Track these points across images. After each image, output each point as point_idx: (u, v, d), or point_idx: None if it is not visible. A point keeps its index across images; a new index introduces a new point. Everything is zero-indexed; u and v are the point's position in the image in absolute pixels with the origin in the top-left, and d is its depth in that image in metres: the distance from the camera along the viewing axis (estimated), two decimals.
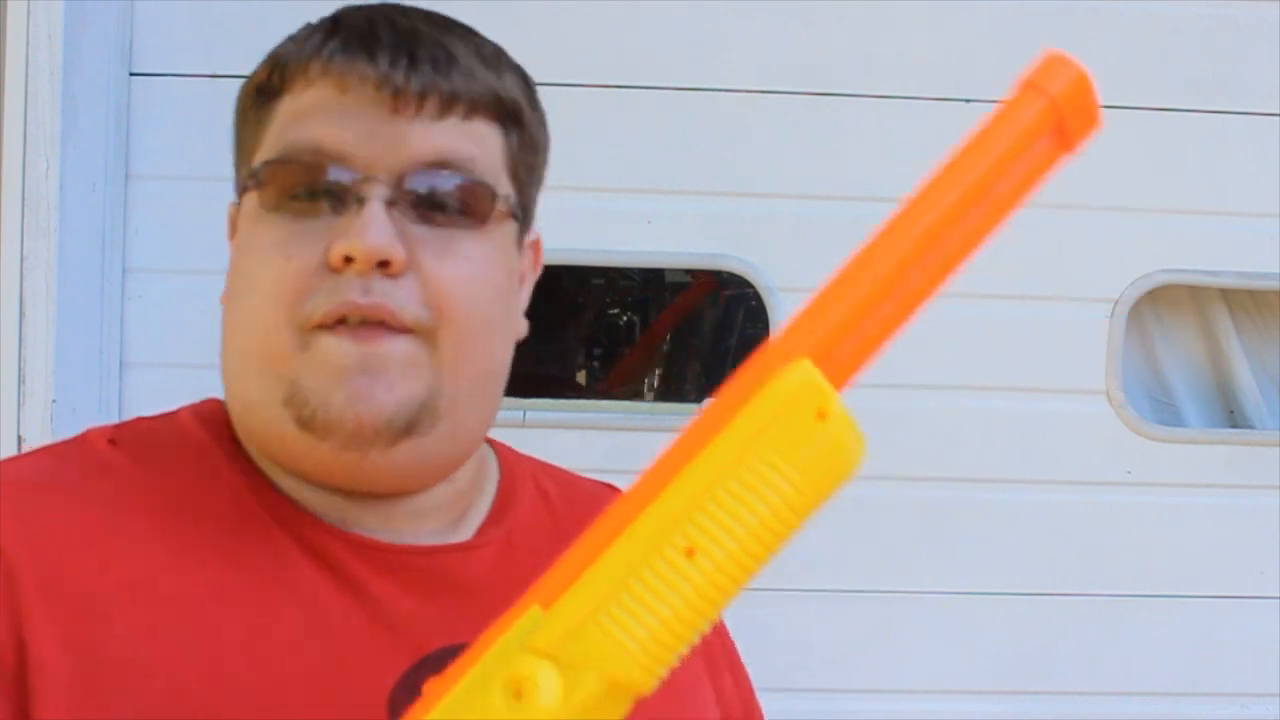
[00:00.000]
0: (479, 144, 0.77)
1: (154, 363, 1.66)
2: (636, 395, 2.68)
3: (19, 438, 1.57)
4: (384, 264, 0.72)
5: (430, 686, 0.59)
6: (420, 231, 0.74)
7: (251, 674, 0.71)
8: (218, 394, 0.85)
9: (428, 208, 0.75)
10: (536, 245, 0.87)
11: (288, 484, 0.79)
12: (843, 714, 1.75)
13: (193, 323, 1.64)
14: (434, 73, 0.75)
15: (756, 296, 1.75)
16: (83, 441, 0.80)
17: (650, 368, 2.66)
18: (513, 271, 0.81)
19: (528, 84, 0.83)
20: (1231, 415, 1.88)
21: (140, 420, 0.83)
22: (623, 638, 0.54)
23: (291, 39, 0.80)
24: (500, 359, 0.80)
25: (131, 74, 1.65)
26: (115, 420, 1.42)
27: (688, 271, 2.51)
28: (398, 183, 0.74)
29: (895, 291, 0.57)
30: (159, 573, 0.72)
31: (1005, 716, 1.78)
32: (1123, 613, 1.79)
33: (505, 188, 0.79)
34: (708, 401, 0.58)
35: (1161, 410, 1.87)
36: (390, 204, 0.74)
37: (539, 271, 0.87)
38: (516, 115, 0.80)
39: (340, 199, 0.74)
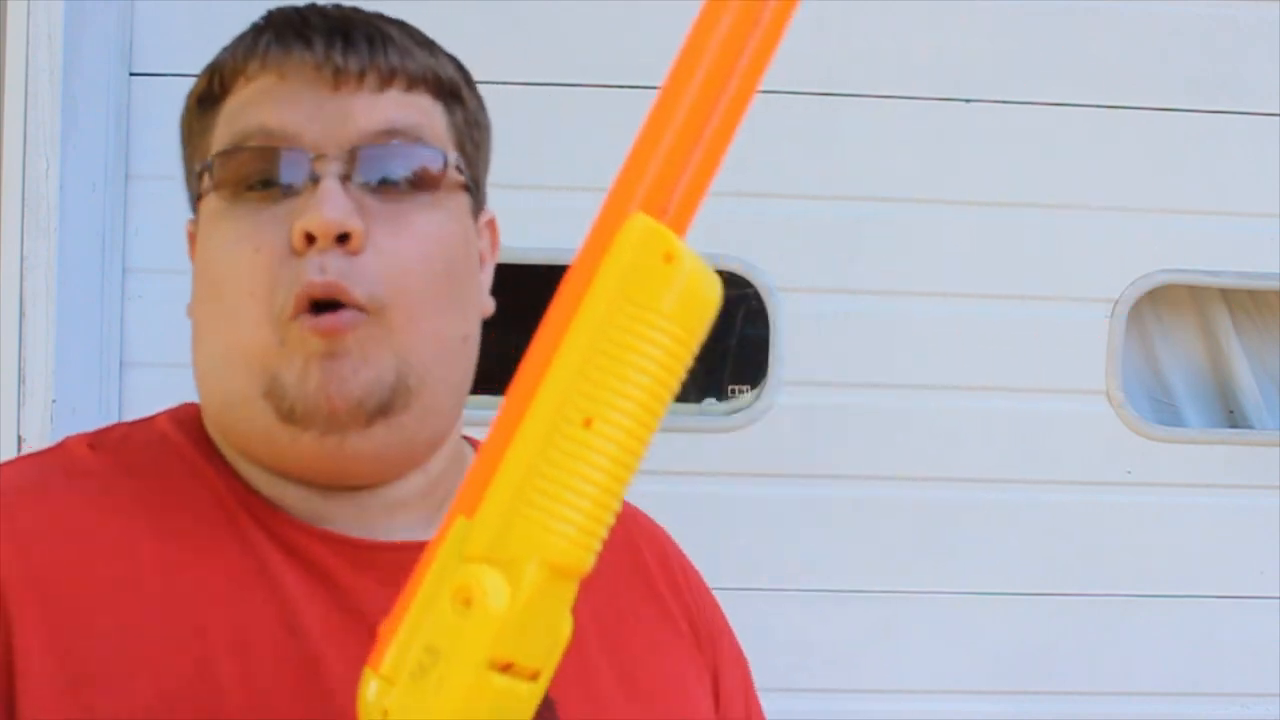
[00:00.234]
0: (424, 113, 0.78)
1: (154, 363, 1.66)
2: None
3: (19, 438, 1.57)
4: (344, 237, 0.73)
5: (383, 626, 0.59)
6: (375, 205, 0.75)
7: (236, 673, 0.71)
8: None
9: (380, 179, 0.75)
10: (493, 226, 0.87)
11: (265, 483, 0.79)
12: (843, 714, 1.75)
13: None
14: (370, 50, 0.76)
15: (756, 296, 1.75)
16: (62, 448, 0.80)
17: None
18: (470, 245, 0.82)
19: (463, 69, 0.84)
20: (1231, 415, 1.88)
21: (117, 426, 0.83)
22: (549, 521, 0.55)
23: (226, 47, 0.81)
24: (463, 332, 0.80)
25: (131, 74, 1.65)
26: (115, 420, 1.42)
27: None
28: (349, 158, 0.75)
29: (702, 131, 0.58)
30: (142, 572, 0.73)
31: (1005, 716, 1.78)
32: (1123, 613, 1.79)
33: (455, 157, 0.80)
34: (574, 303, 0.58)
35: (1161, 410, 1.87)
36: (344, 179, 0.74)
37: (497, 253, 0.87)
38: (456, 92, 0.81)
39: (295, 181, 0.74)
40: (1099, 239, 1.76)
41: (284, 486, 0.79)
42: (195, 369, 0.81)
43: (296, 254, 0.73)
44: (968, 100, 1.73)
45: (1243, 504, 1.80)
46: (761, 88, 1.77)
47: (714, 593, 0.95)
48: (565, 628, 0.57)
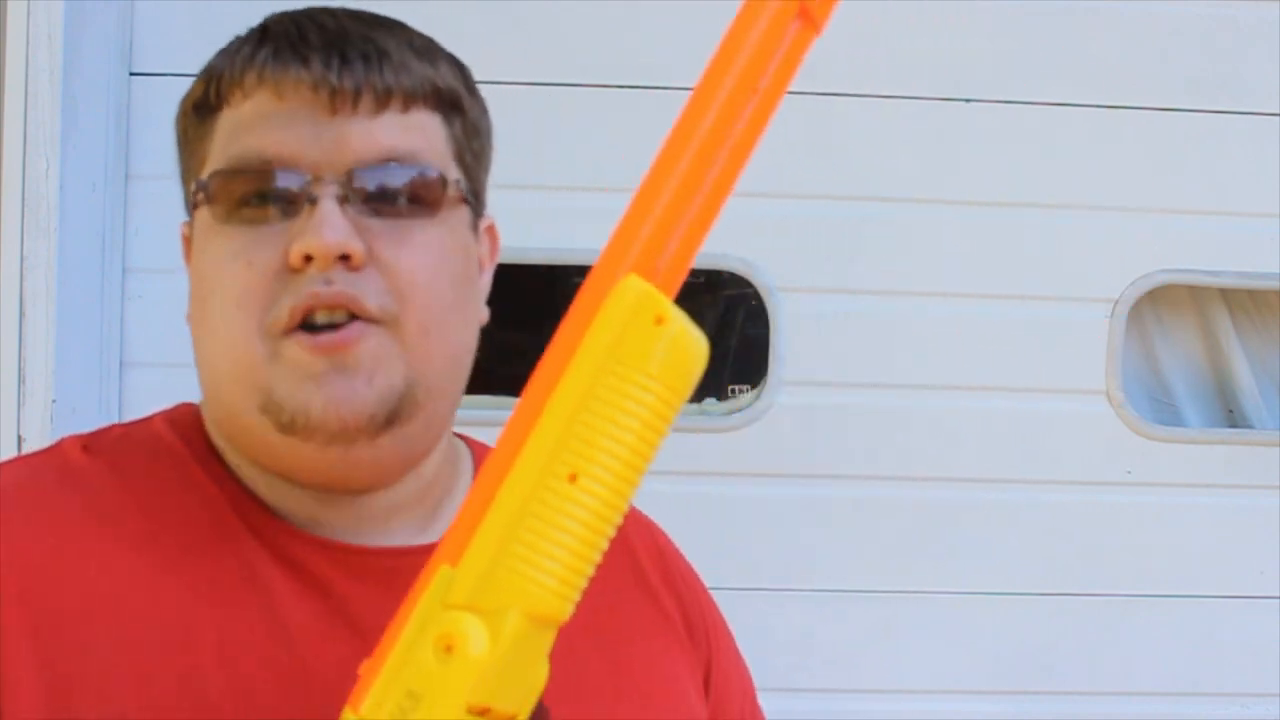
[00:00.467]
0: (421, 134, 0.78)
1: (154, 363, 1.66)
2: None
3: (19, 438, 1.57)
4: (344, 258, 0.73)
5: (365, 667, 0.60)
6: (375, 224, 0.75)
7: (223, 686, 0.71)
8: None
9: (379, 201, 0.75)
10: (492, 231, 0.87)
11: (263, 485, 0.79)
12: (843, 714, 1.75)
13: None
14: (365, 69, 0.76)
15: (756, 296, 1.75)
16: (56, 451, 0.80)
17: None
18: (471, 257, 0.82)
19: (464, 72, 0.84)
20: (1231, 415, 1.88)
21: (114, 427, 0.83)
22: (531, 572, 0.56)
23: (223, 52, 0.80)
24: (465, 344, 0.81)
25: (131, 74, 1.65)
26: (115, 421, 1.42)
27: (689, 272, 2.51)
28: (347, 180, 0.75)
29: (695, 196, 0.60)
30: (131, 584, 0.72)
31: (1005, 716, 1.78)
32: (1123, 613, 1.79)
33: (454, 173, 0.80)
34: (559, 341, 0.60)
35: (1161, 410, 1.87)
36: (342, 200, 0.74)
37: (497, 258, 0.87)
38: (455, 102, 0.81)
39: (291, 203, 0.74)
40: (1099, 239, 1.76)
41: (283, 491, 0.79)
42: (198, 376, 0.81)
43: (294, 272, 0.73)
44: (968, 100, 1.73)
45: (1243, 504, 1.80)
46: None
47: (714, 593, 0.95)
48: (542, 672, 0.59)
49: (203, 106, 0.79)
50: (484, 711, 0.57)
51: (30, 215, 1.57)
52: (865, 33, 1.74)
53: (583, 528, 0.57)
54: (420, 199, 0.77)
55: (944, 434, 1.76)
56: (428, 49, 0.81)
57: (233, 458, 0.80)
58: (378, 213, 0.75)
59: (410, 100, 0.77)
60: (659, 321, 0.58)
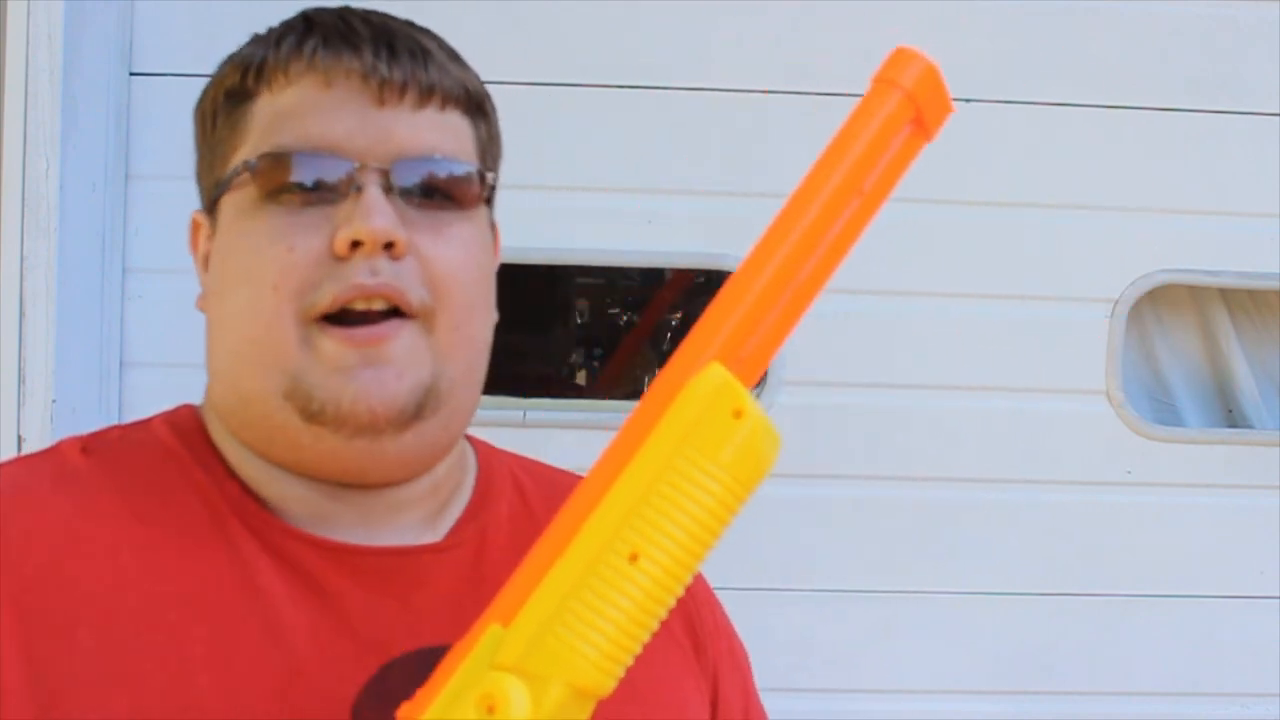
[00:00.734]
0: (454, 133, 0.79)
1: (154, 363, 1.66)
2: (636, 395, 2.68)
3: (19, 438, 1.57)
4: (389, 246, 0.74)
5: (403, 713, 0.60)
6: (414, 215, 0.76)
7: (215, 689, 0.71)
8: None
9: (419, 194, 0.77)
10: (496, 234, 0.88)
11: (266, 480, 0.79)
12: (843, 714, 1.75)
13: (193, 323, 1.63)
14: (412, 64, 0.77)
15: None
16: (55, 452, 0.80)
17: (640, 366, 2.66)
18: (492, 255, 0.83)
19: (481, 81, 0.85)
20: (1230, 415, 1.88)
21: (113, 428, 0.83)
22: (580, 645, 0.57)
23: (258, 41, 0.80)
24: (487, 341, 0.82)
25: (131, 74, 1.65)
26: (115, 421, 1.43)
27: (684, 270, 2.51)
28: (391, 171, 0.76)
29: (786, 289, 0.60)
30: (125, 585, 0.72)
31: (1005, 716, 1.78)
32: (1123, 613, 1.79)
33: (485, 173, 0.81)
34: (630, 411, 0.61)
35: (1161, 410, 1.87)
36: (386, 190, 0.75)
37: (499, 258, 0.88)
38: (481, 105, 0.82)
39: (336, 189, 0.75)
40: (1099, 239, 1.76)
41: (289, 485, 0.78)
42: (209, 363, 0.81)
43: (338, 259, 0.74)
44: (968, 100, 1.73)
45: (1243, 504, 1.80)
46: (761, 88, 1.79)
47: (714, 593, 0.95)
48: None
49: (237, 93, 0.79)
50: None
51: (30, 215, 1.57)
52: (866, 33, 1.74)
53: (636, 608, 0.58)
54: (456, 195, 0.78)
55: (944, 434, 1.76)
56: (455, 53, 0.83)
57: (235, 455, 0.80)
58: (417, 205, 0.76)
59: (447, 100, 0.79)
60: (737, 415, 0.59)
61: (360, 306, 0.74)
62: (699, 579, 0.93)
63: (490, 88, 0.86)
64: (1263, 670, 1.80)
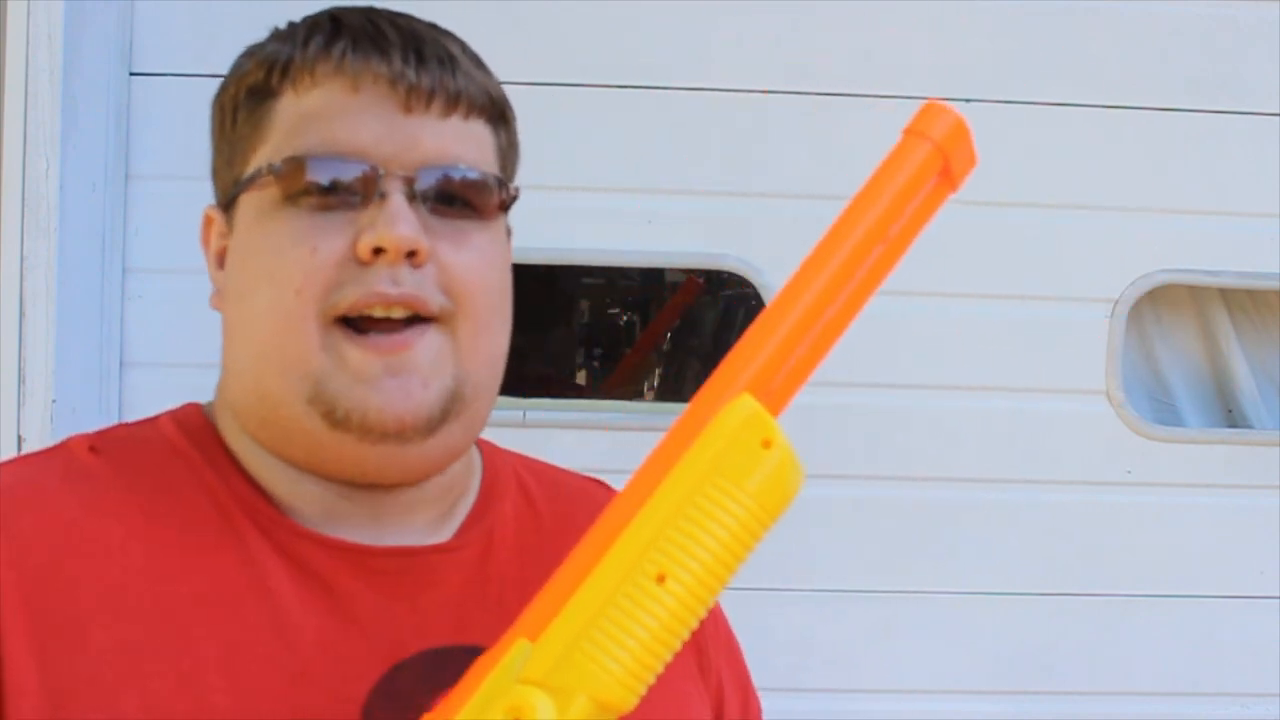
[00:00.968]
0: (477, 141, 0.80)
1: (154, 363, 1.66)
2: (636, 395, 2.68)
3: (19, 438, 1.57)
4: (411, 254, 0.74)
5: None
6: (435, 223, 0.76)
7: (226, 689, 0.71)
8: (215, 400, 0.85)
9: (440, 202, 0.77)
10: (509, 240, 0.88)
11: (279, 479, 0.79)
12: (843, 714, 1.75)
13: (193, 323, 1.63)
14: (441, 71, 0.78)
15: (756, 296, 1.75)
16: (63, 449, 0.80)
17: (648, 371, 2.66)
18: (509, 262, 0.84)
19: (501, 86, 0.86)
20: (1230, 415, 1.88)
21: (120, 427, 0.83)
22: (606, 661, 0.59)
23: (281, 39, 0.80)
24: (505, 347, 0.82)
25: (131, 74, 1.65)
26: (115, 421, 1.42)
27: (689, 272, 2.51)
28: (415, 178, 0.76)
29: (814, 326, 0.63)
30: (135, 584, 0.72)
31: (1005, 716, 1.78)
32: (1123, 613, 1.79)
33: (507, 183, 0.82)
34: (662, 436, 0.63)
35: (1161, 410, 1.87)
36: (410, 198, 0.75)
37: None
38: (504, 114, 0.83)
39: (360, 194, 0.75)
40: (1099, 239, 1.76)
41: (301, 484, 0.79)
42: (226, 361, 0.80)
43: (360, 263, 0.74)
44: (968, 100, 1.73)
45: (1243, 504, 1.80)
46: (761, 88, 1.78)
47: None
48: None
49: (260, 91, 0.79)
50: None
51: (30, 215, 1.57)
52: (865, 33, 1.74)
53: (661, 627, 0.59)
54: (478, 204, 0.78)
55: (944, 434, 1.76)
56: (479, 59, 0.83)
57: (247, 452, 0.80)
58: (438, 213, 0.77)
59: (471, 108, 0.79)
60: (766, 445, 0.61)
61: (379, 313, 0.74)
62: None
63: None
64: (1263, 670, 1.80)
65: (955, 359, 1.76)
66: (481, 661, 0.62)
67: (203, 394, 0.86)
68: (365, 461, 0.76)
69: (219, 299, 0.82)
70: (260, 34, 0.83)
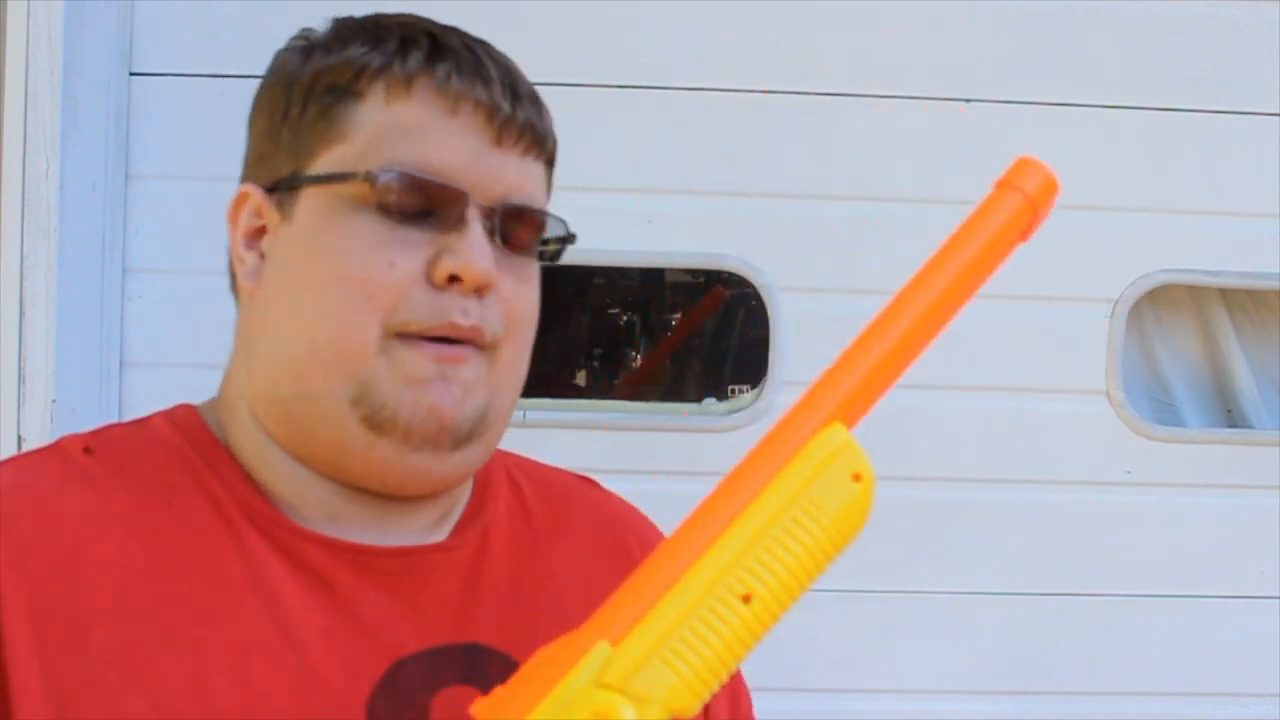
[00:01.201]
0: (541, 183, 0.83)
1: (154, 363, 1.66)
2: (636, 395, 2.68)
3: (19, 438, 1.57)
4: (481, 286, 0.77)
5: (480, 709, 0.62)
6: (501, 256, 0.79)
7: (232, 689, 0.71)
8: (213, 397, 0.85)
9: (506, 236, 0.79)
10: None
11: (284, 478, 0.79)
12: (845, 714, 1.75)
13: (193, 323, 1.64)
14: (531, 110, 0.81)
15: (756, 296, 1.75)
16: (57, 450, 0.80)
17: (664, 376, 2.66)
18: None
19: None
20: (1230, 415, 1.88)
21: (113, 428, 0.83)
22: (684, 671, 0.61)
23: (363, 42, 0.80)
24: (525, 376, 0.85)
25: (131, 74, 1.65)
26: (115, 420, 1.42)
27: (689, 272, 2.51)
28: (493, 210, 0.78)
29: (901, 360, 0.68)
30: (137, 587, 0.73)
31: (1005, 716, 1.78)
32: (1123, 613, 1.79)
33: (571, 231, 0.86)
34: (751, 450, 0.66)
35: (1161, 410, 1.87)
36: (488, 230, 0.78)
37: None
38: (554, 157, 0.86)
39: (443, 217, 0.77)
40: (1099, 239, 1.76)
41: (308, 485, 0.79)
42: (260, 352, 0.80)
43: (434, 286, 0.76)
44: (968, 100, 1.73)
45: (1243, 504, 1.80)
46: (761, 88, 1.78)
47: None
48: None
49: (340, 89, 0.79)
50: None
51: (30, 215, 1.57)
52: (865, 33, 1.74)
53: (737, 643, 0.62)
54: (535, 242, 0.82)
55: (944, 434, 1.76)
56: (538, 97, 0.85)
57: (254, 449, 0.80)
58: (506, 248, 0.79)
59: (542, 152, 0.82)
60: (856, 478, 0.65)
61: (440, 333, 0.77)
62: None
63: None
64: (1263, 670, 1.80)
65: (955, 359, 1.76)
66: (553, 655, 0.63)
67: (203, 394, 0.86)
68: (392, 469, 0.77)
69: (254, 280, 0.81)
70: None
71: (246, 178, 0.83)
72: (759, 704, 0.96)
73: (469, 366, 0.77)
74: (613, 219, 1.71)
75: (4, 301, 1.57)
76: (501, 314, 0.79)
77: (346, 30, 0.81)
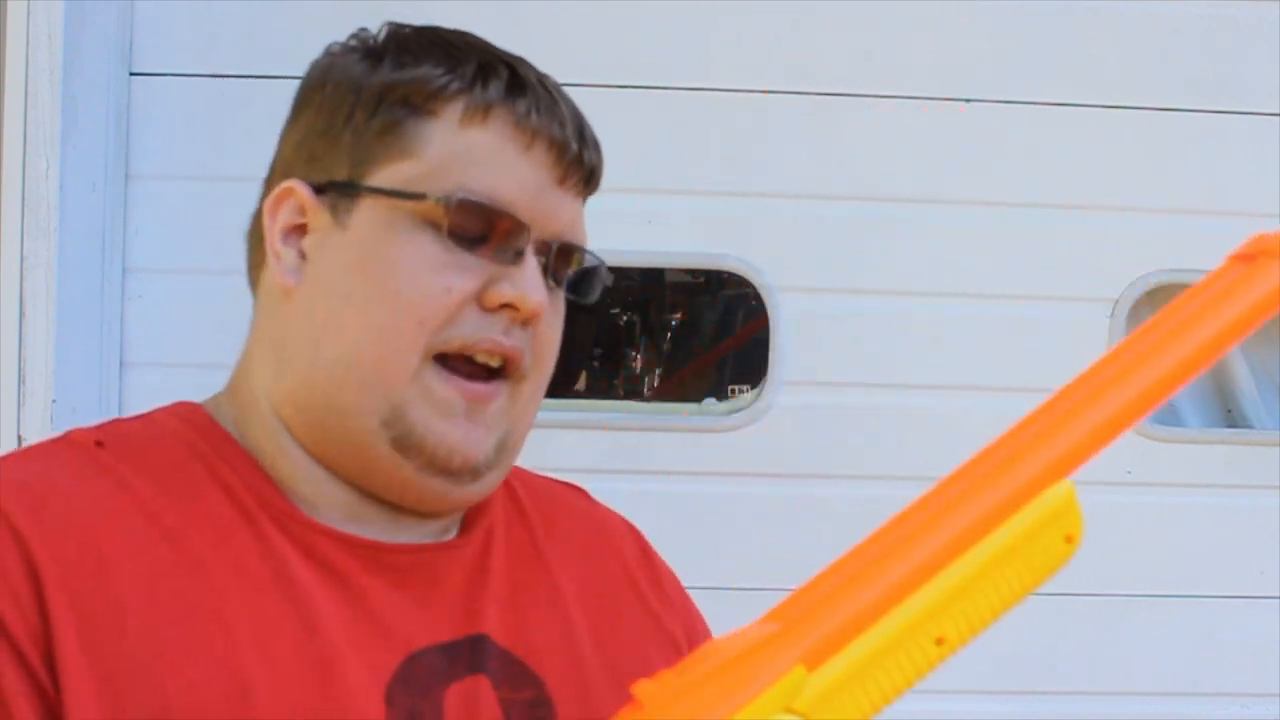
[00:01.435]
0: (584, 221, 0.85)
1: (154, 363, 1.66)
2: (636, 395, 2.68)
3: (19, 438, 1.58)
4: (531, 317, 0.79)
5: (643, 689, 0.62)
6: (545, 292, 0.81)
7: (262, 669, 0.72)
8: (221, 393, 0.85)
9: (556, 272, 0.81)
10: None
11: (305, 477, 0.80)
12: None
13: (193, 323, 1.64)
14: (594, 153, 0.83)
15: (756, 296, 1.76)
16: (67, 442, 0.80)
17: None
18: None
19: None
20: (1230, 415, 1.88)
21: (119, 422, 0.83)
22: (864, 703, 0.62)
23: (437, 63, 0.80)
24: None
25: (131, 74, 1.65)
26: None
27: (689, 272, 2.51)
28: (548, 247, 0.80)
29: (1129, 421, 0.67)
30: (162, 573, 0.73)
31: (1006, 716, 1.78)
32: (1123, 613, 1.79)
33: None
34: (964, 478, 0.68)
35: (1161, 410, 1.86)
36: (541, 266, 0.80)
37: None
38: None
39: (501, 246, 0.78)
40: (1099, 239, 1.76)
41: (327, 486, 0.80)
42: (295, 355, 0.80)
43: (482, 309, 0.78)
44: (968, 100, 1.73)
45: (1243, 504, 1.80)
46: (761, 88, 1.77)
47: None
48: None
49: (411, 105, 0.79)
50: None
51: (30, 215, 1.57)
52: (865, 33, 1.74)
53: (916, 678, 0.63)
54: (582, 284, 0.84)
55: (944, 434, 1.76)
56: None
57: (275, 447, 0.80)
58: (552, 284, 0.81)
59: (592, 192, 0.85)
60: (1069, 540, 0.66)
61: (481, 358, 0.78)
62: (673, 576, 0.94)
63: None
64: (1263, 670, 1.80)
65: (955, 359, 1.76)
66: (744, 663, 0.62)
67: (203, 394, 0.86)
68: (411, 489, 0.79)
69: (295, 278, 0.80)
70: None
71: (288, 173, 0.82)
72: None
73: (496, 403, 0.79)
74: (613, 219, 1.71)
75: (4, 301, 1.57)
76: (535, 347, 0.80)
77: (415, 44, 0.82)
